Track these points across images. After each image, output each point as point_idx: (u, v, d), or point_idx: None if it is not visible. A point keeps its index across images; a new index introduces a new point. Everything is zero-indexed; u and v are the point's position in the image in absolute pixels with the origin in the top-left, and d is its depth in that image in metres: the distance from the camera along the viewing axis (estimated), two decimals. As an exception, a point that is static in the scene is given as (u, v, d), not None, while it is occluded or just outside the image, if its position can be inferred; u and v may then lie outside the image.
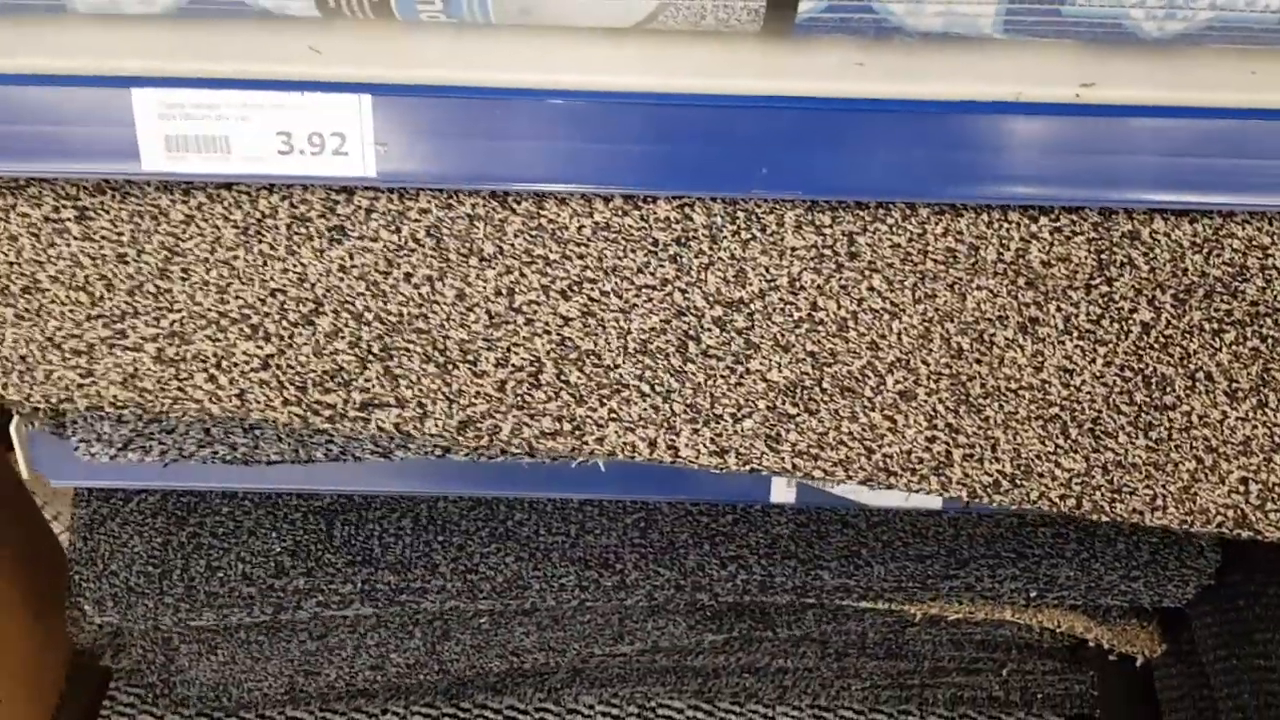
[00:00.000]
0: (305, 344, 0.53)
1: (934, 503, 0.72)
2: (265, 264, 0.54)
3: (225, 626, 0.78)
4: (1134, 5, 0.52)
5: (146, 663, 0.81)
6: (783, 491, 0.72)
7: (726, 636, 0.80)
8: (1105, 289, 0.55)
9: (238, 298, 0.54)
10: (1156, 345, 0.55)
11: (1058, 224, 0.56)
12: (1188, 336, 0.55)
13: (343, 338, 0.54)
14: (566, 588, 0.74)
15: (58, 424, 0.63)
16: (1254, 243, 0.56)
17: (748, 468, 0.54)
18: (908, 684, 0.88)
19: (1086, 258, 0.56)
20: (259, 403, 0.53)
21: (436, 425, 0.53)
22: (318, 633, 0.80)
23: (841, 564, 0.74)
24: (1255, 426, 0.55)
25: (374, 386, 0.53)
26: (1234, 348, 0.55)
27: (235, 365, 0.53)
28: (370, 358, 0.54)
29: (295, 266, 0.54)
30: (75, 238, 0.55)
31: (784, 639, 0.84)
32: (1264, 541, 0.76)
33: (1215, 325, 0.55)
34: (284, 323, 0.54)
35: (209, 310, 0.54)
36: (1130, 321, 0.55)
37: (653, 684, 0.88)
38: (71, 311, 0.54)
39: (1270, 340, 0.55)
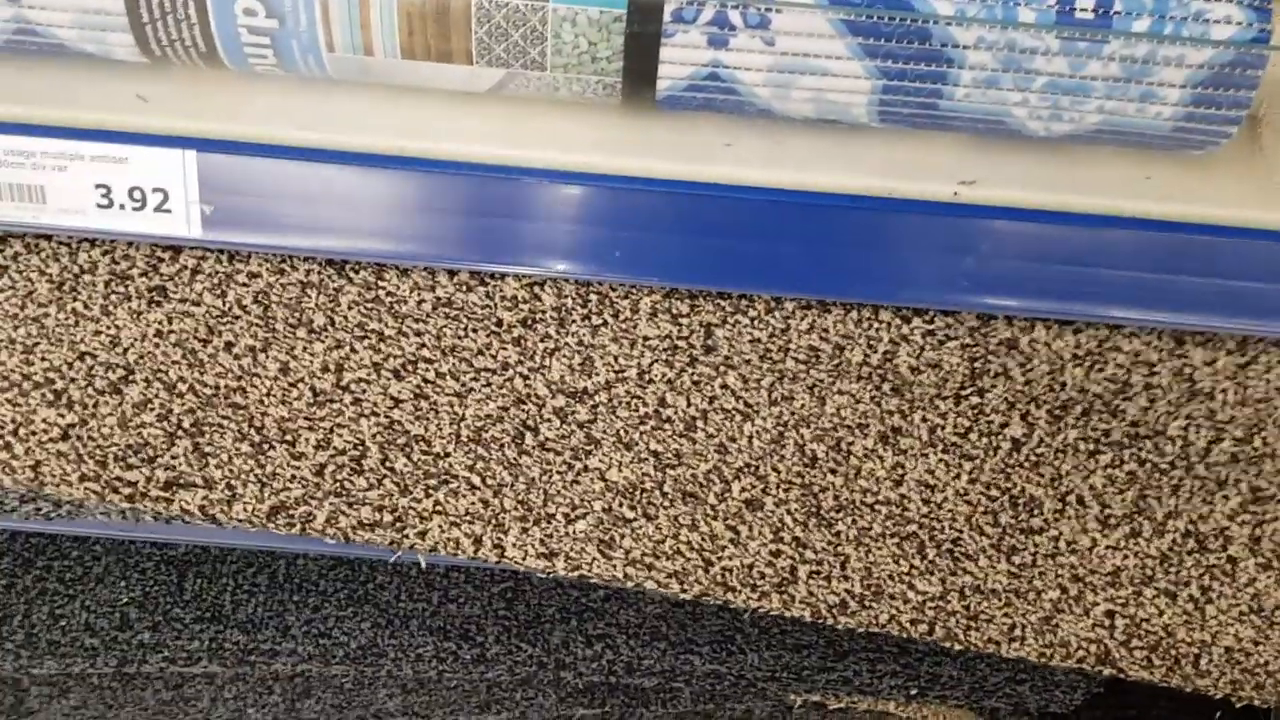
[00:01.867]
0: (110, 414, 0.50)
1: (818, 589, 0.68)
2: (77, 324, 0.51)
3: (70, 675, 0.74)
4: (1016, 105, 0.49)
5: (-7, 703, 0.77)
6: (660, 568, 0.69)
7: (599, 711, 0.76)
8: (976, 400, 0.52)
9: (43, 360, 0.50)
10: (1027, 464, 0.52)
11: (931, 326, 0.52)
12: (1061, 456, 0.52)
13: (151, 409, 0.50)
14: (424, 658, 0.70)
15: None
16: (1140, 358, 0.52)
17: (576, 573, 0.50)
18: (797, 761, 0.85)
19: (959, 365, 0.52)
20: (54, 476, 0.49)
21: (245, 510, 0.50)
22: (173, 683, 0.76)
23: (714, 650, 0.70)
24: (1126, 556, 0.51)
25: (180, 464, 0.50)
26: (1109, 470, 0.52)
27: (33, 435, 0.49)
28: (179, 433, 0.50)
29: (109, 328, 0.50)
30: (-123, 282, 0.51)
31: (665, 709, 0.81)
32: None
33: (1091, 445, 0.52)
34: (90, 390, 0.50)
35: (11, 373, 0.50)
36: (1000, 436, 0.52)
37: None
38: None
39: (1148, 465, 0.52)
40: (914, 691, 0.71)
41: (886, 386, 0.52)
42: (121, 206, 0.51)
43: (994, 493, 0.51)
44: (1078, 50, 0.46)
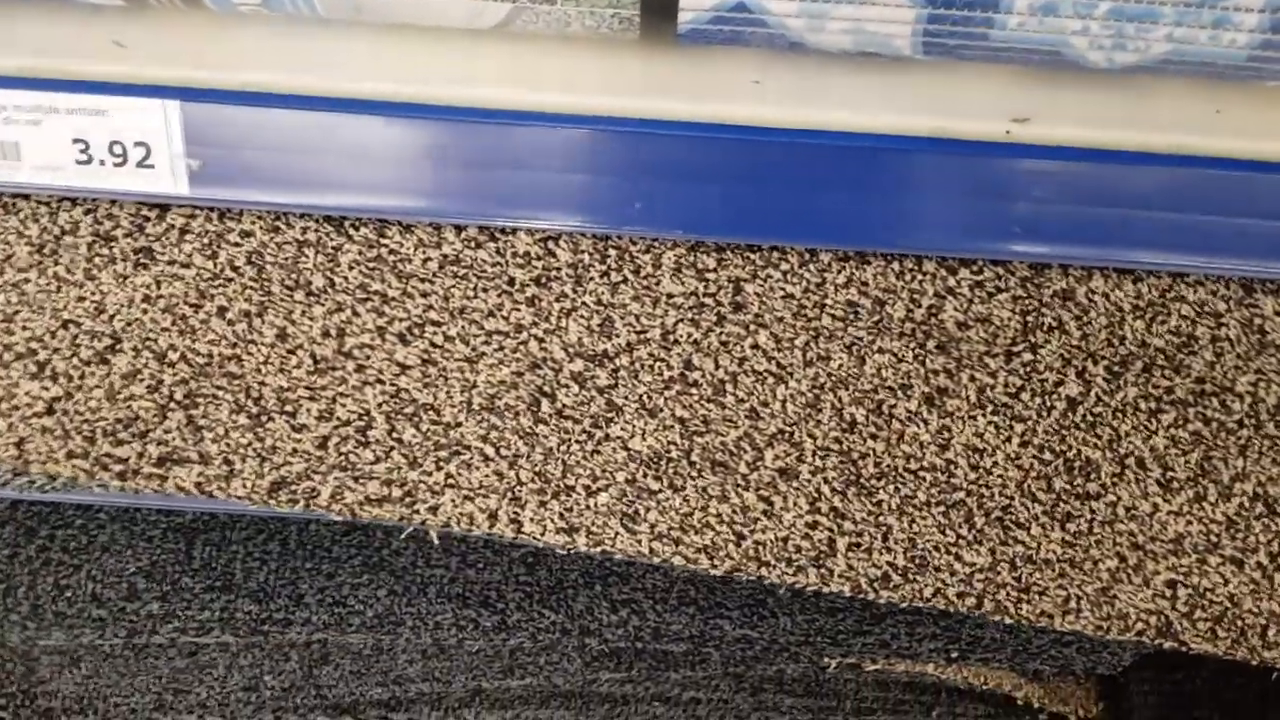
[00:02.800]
0: (98, 386, 0.46)
1: (853, 549, 0.65)
2: (59, 289, 0.47)
3: (80, 645, 0.72)
4: (1076, 33, 0.44)
5: (5, 673, 0.75)
6: (687, 529, 0.65)
7: (625, 674, 0.74)
8: (1029, 357, 0.48)
9: (25, 328, 0.47)
10: (1083, 425, 0.48)
11: (979, 278, 0.48)
12: (1120, 416, 0.48)
13: (141, 380, 0.47)
14: (443, 626, 0.67)
15: None
16: (1206, 309, 0.48)
17: (599, 549, 0.47)
18: (830, 721, 0.82)
19: (1010, 319, 0.48)
20: (39, 454, 0.46)
21: (244, 486, 0.46)
22: (186, 651, 0.74)
23: (744, 614, 0.67)
24: (1189, 523, 0.48)
25: (174, 439, 0.46)
26: (1172, 431, 0.48)
27: (16, 410, 0.46)
28: (172, 405, 0.46)
29: (93, 293, 0.47)
30: None
31: (695, 667, 0.78)
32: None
33: (1153, 404, 0.48)
34: (75, 359, 0.47)
35: (-10, 342, 0.47)
36: (1055, 396, 0.48)
37: (556, 708, 0.82)
38: None
39: (1214, 424, 0.48)
40: (954, 654, 0.67)
41: (931, 344, 0.48)
42: (101, 162, 0.47)
43: (1047, 456, 0.48)
44: (1145, -29, 0.42)
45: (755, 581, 0.67)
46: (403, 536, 0.68)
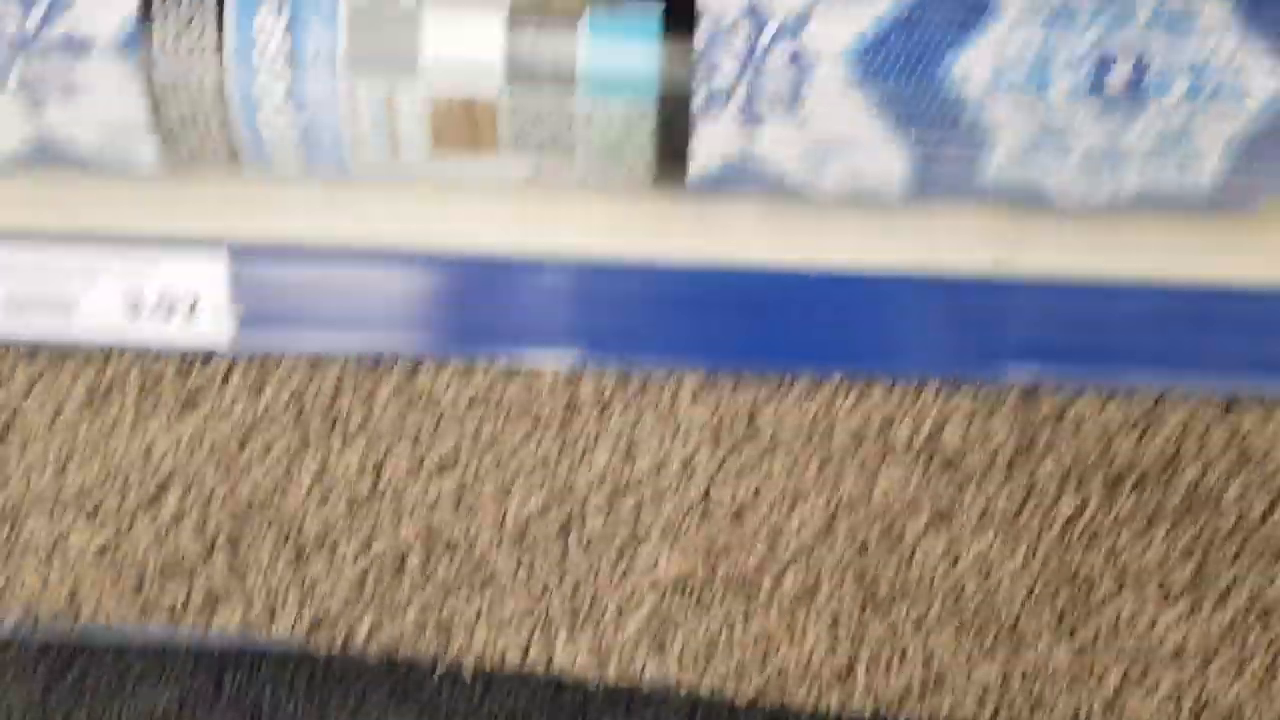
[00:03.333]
0: (146, 530, 0.49)
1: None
2: (108, 438, 0.50)
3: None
4: (1053, 176, 0.48)
5: (29, 813, 0.76)
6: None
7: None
8: (1026, 475, 0.51)
9: (75, 478, 0.50)
10: (1082, 539, 0.50)
11: (976, 404, 0.51)
12: (1115, 530, 0.50)
13: (188, 522, 0.49)
14: (468, 753, 0.68)
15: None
16: (1189, 428, 0.51)
17: (629, 676, 0.49)
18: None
19: (1006, 440, 0.51)
20: (91, 600, 0.48)
21: (285, 625, 0.49)
22: (211, 786, 0.75)
23: (764, 732, 0.68)
24: (1188, 632, 0.50)
25: (218, 579, 0.49)
26: (1166, 543, 0.50)
27: (69, 555, 0.49)
28: (218, 546, 0.49)
29: (140, 442, 0.50)
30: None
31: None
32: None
33: (1146, 518, 0.50)
34: (125, 504, 0.49)
35: (42, 493, 0.49)
36: (1053, 512, 0.50)
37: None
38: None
39: (1205, 535, 0.50)
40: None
41: (935, 464, 0.50)
42: (150, 315, 0.50)
43: (1050, 571, 0.50)
44: (1113, 120, 0.46)
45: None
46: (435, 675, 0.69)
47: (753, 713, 0.67)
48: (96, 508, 0.49)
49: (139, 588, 0.48)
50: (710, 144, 0.47)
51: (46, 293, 0.50)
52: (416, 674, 0.70)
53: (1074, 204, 0.49)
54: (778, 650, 0.49)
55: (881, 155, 0.47)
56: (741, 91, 0.45)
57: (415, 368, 0.51)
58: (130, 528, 0.49)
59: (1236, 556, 0.51)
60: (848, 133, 0.46)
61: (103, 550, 0.49)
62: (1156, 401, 0.52)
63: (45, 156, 0.48)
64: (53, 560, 0.49)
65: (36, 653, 0.71)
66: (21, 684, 0.70)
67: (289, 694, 0.70)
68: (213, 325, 0.50)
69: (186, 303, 0.50)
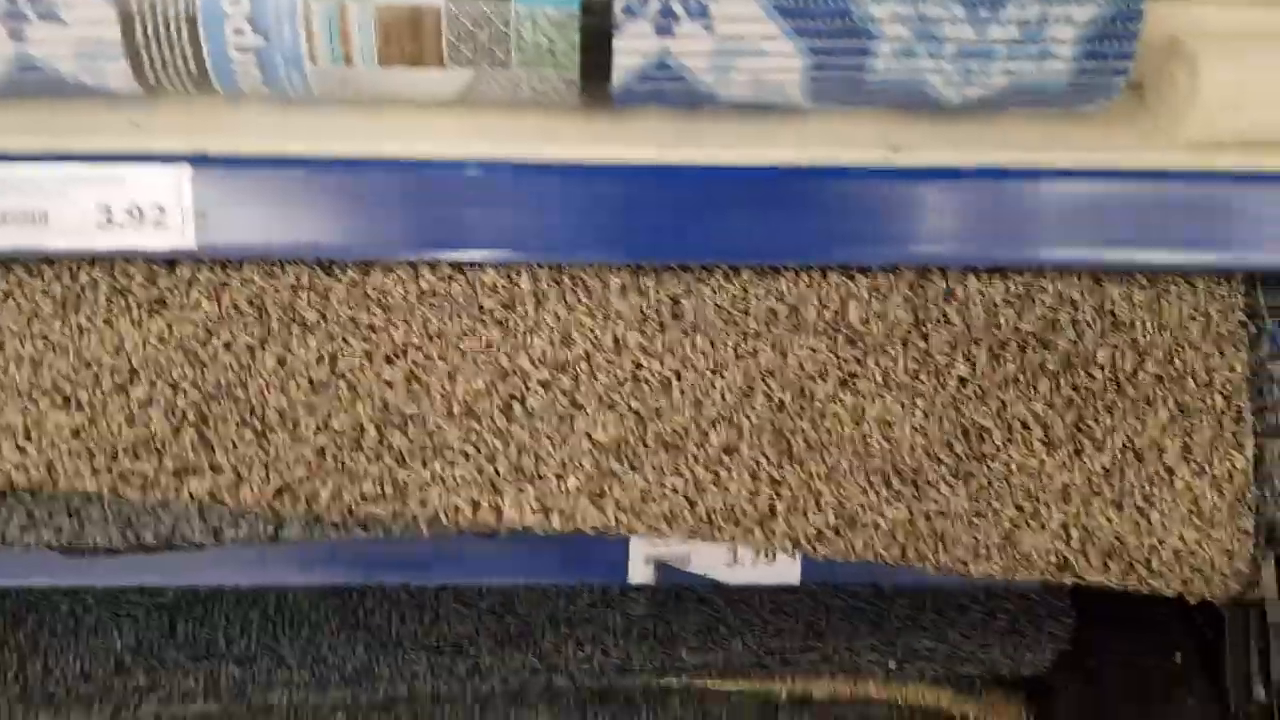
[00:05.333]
0: (117, 413, 0.53)
1: (791, 577, 0.72)
2: (81, 336, 0.54)
3: None
4: (932, 71, 0.55)
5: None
6: (640, 572, 0.72)
7: (592, 725, 0.78)
8: (922, 344, 0.57)
9: (51, 369, 0.53)
10: (974, 397, 0.56)
11: (875, 284, 0.57)
12: (1004, 388, 0.57)
13: (156, 406, 0.53)
14: (419, 675, 0.72)
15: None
16: (1064, 297, 0.58)
17: (571, 527, 0.54)
18: (786, 772, 0.86)
19: (903, 315, 0.57)
20: (67, 473, 0.51)
21: (252, 491, 0.52)
22: (167, 737, 0.77)
23: (700, 641, 0.73)
24: (1073, 474, 0.56)
25: (188, 453, 0.52)
26: (1048, 398, 0.57)
27: (45, 436, 0.52)
28: (184, 425, 0.53)
29: (111, 338, 0.54)
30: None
31: (656, 728, 0.82)
32: (1121, 608, 0.77)
33: (1030, 377, 0.57)
34: (97, 392, 0.53)
35: (21, 384, 0.53)
36: (947, 375, 0.56)
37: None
38: (-122, 387, 0.53)
39: (1082, 390, 0.57)
40: (892, 665, 0.74)
41: (841, 338, 0.56)
42: (121, 225, 0.54)
43: (947, 425, 0.56)
44: (980, 16, 0.53)
45: (705, 613, 0.74)
46: (381, 589, 0.73)
47: (687, 618, 0.72)
48: (71, 396, 0.53)
49: (112, 462, 0.52)
50: (631, 48, 0.53)
51: (23, 206, 0.54)
52: (365, 605, 0.74)
53: (952, 102, 0.55)
54: (705, 498, 0.54)
55: (781, 57, 0.53)
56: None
57: (367, 269, 0.56)
58: (104, 411, 0.53)
59: (1110, 408, 0.57)
60: (749, 34, 0.52)
61: (77, 431, 0.52)
62: (1034, 278, 0.58)
63: (25, 82, 0.52)
64: (30, 440, 0.52)
65: (-7, 602, 0.73)
66: (-22, 635, 0.72)
67: (241, 630, 0.73)
68: (178, 233, 0.55)
69: (153, 213, 0.55)
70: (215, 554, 0.67)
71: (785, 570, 0.72)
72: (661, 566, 0.71)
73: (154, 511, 0.58)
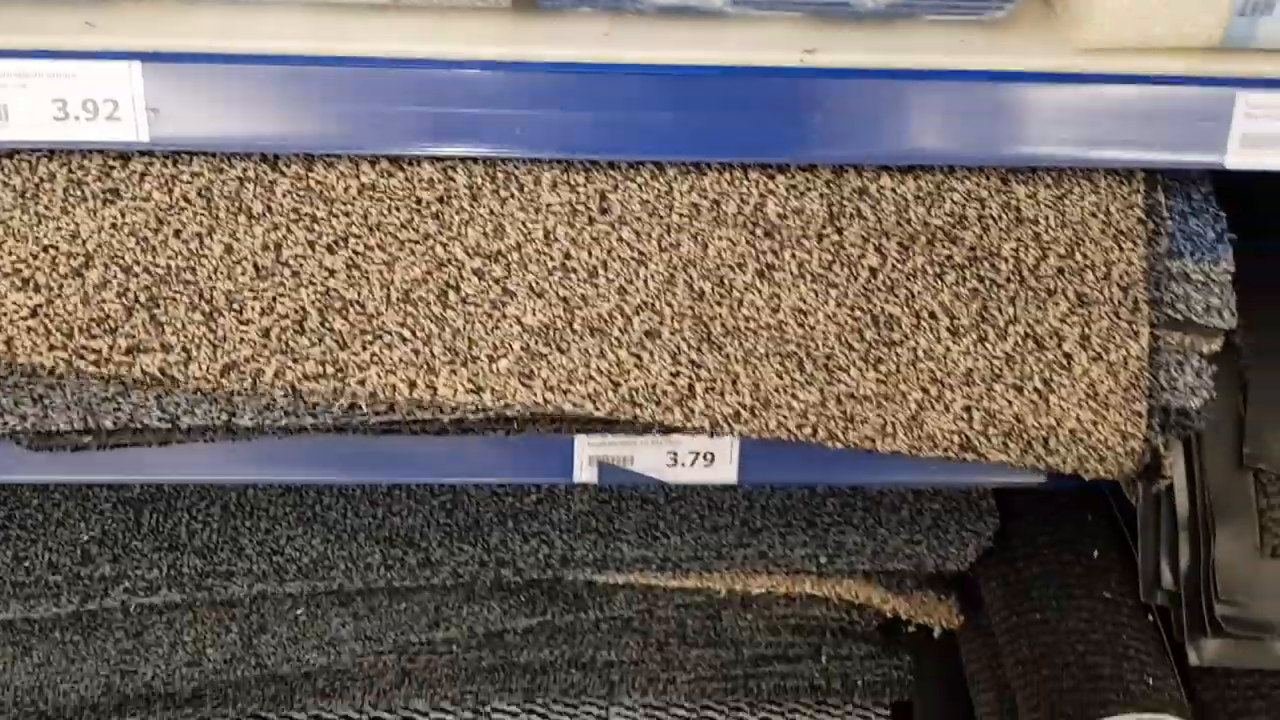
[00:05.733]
0: (73, 294, 0.56)
1: (729, 478, 0.75)
2: (39, 224, 0.57)
3: (33, 620, 0.78)
4: (845, -24, 0.58)
5: (-40, 669, 0.81)
6: (585, 472, 0.75)
7: (540, 619, 0.82)
8: (836, 238, 0.60)
9: (10, 254, 0.56)
10: (884, 287, 0.60)
11: (793, 181, 0.61)
12: (912, 279, 0.60)
13: (110, 289, 0.56)
14: (372, 567, 0.75)
15: None
16: (972, 195, 0.61)
17: (501, 404, 0.57)
18: (731, 674, 0.90)
19: (819, 210, 0.60)
20: (25, 349, 0.55)
21: (200, 369, 0.56)
22: (133, 630, 0.80)
23: (640, 536, 0.77)
24: (976, 360, 0.59)
25: (139, 333, 0.56)
26: (955, 288, 0.60)
27: (4, 315, 0.55)
28: (136, 306, 0.56)
29: (68, 225, 0.57)
30: None
31: (605, 629, 0.86)
32: (1044, 511, 0.81)
33: (937, 269, 0.60)
34: (54, 275, 0.56)
35: (-18, 265, 0.56)
36: (859, 266, 0.60)
37: (481, 683, 0.89)
38: None
39: (987, 281, 0.60)
40: (823, 560, 0.77)
41: (760, 231, 0.60)
42: (76, 118, 0.58)
43: (858, 313, 0.59)
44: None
45: (647, 510, 0.77)
46: (336, 487, 0.76)
47: (627, 514, 0.76)
48: (30, 279, 0.56)
49: (68, 340, 0.55)
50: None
51: (-19, 100, 0.57)
52: (322, 502, 0.78)
53: (865, 7, 0.58)
54: (628, 379, 0.58)
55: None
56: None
57: (310, 163, 0.59)
58: (60, 293, 0.56)
59: (1013, 299, 0.60)
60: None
61: (35, 310, 0.56)
62: (944, 177, 0.62)
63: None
64: (-10, 319, 0.55)
65: (-34, 498, 0.76)
66: (-49, 529, 0.76)
67: (204, 524, 0.77)
68: (131, 127, 0.58)
69: (107, 107, 0.58)
70: (178, 451, 0.70)
71: (722, 471, 0.75)
72: (605, 467, 0.74)
73: (113, 398, 0.62)
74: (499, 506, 0.77)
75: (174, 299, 0.56)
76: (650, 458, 0.74)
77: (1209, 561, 0.70)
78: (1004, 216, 0.61)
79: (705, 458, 0.74)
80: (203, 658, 0.82)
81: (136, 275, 0.57)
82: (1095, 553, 0.77)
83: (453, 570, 0.76)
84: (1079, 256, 0.61)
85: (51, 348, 0.55)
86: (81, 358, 0.55)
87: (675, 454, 0.74)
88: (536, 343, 0.58)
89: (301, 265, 0.58)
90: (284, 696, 0.89)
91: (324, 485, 0.78)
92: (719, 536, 0.77)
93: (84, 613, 0.80)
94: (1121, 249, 0.61)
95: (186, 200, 0.58)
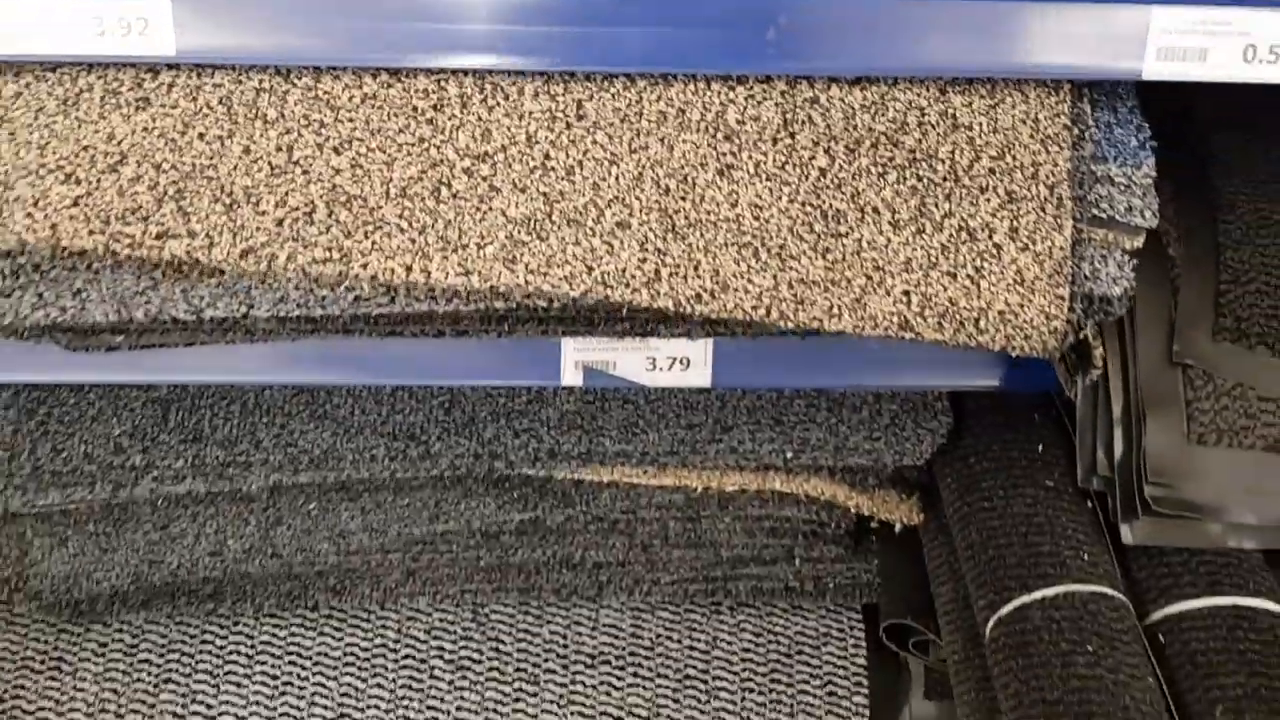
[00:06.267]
0: (110, 187, 0.63)
1: (703, 382, 0.83)
2: (80, 127, 0.64)
3: (70, 509, 0.86)
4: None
5: (2, 558, 0.88)
6: (571, 374, 0.82)
7: (532, 515, 0.89)
8: (789, 142, 0.67)
9: (55, 153, 0.64)
10: (832, 185, 0.67)
11: (751, 91, 0.68)
12: (858, 178, 0.67)
13: (142, 182, 0.64)
14: (377, 458, 0.83)
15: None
16: (913, 104, 0.68)
17: (487, 285, 0.64)
18: (711, 576, 0.97)
19: (774, 117, 0.67)
20: (68, 233, 0.62)
21: (222, 253, 0.63)
22: (160, 523, 0.88)
23: (621, 432, 0.84)
24: (914, 250, 0.66)
25: (168, 221, 0.63)
26: (896, 186, 0.67)
27: (50, 204, 0.63)
28: (165, 198, 0.64)
29: (105, 129, 0.64)
30: (-84, 111, 0.65)
31: (593, 531, 0.93)
32: (995, 413, 0.87)
33: (880, 169, 0.67)
34: (93, 171, 0.64)
35: (30, 164, 0.64)
36: (810, 167, 0.67)
37: (480, 582, 0.97)
38: (-90, 169, 0.64)
39: (925, 180, 0.67)
40: (790, 454, 0.84)
41: (720, 135, 0.67)
42: (112, 35, 0.65)
43: (808, 208, 0.66)
44: None
45: (628, 410, 0.84)
46: (345, 388, 0.84)
47: (610, 413, 0.82)
48: (71, 174, 0.64)
49: (105, 226, 0.63)
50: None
51: (27, 20, 0.65)
52: (332, 401, 0.85)
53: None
54: (601, 263, 0.65)
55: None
56: None
57: (319, 75, 0.67)
58: (98, 186, 0.63)
59: (949, 195, 0.67)
60: None
61: (76, 201, 0.63)
62: (889, 87, 0.68)
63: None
64: (37, 208, 0.63)
65: (7, 400, 0.84)
66: (-4, 426, 0.84)
67: (225, 419, 0.84)
68: (161, 42, 0.65)
69: (139, 24, 0.65)
70: (201, 354, 0.78)
71: (697, 376, 0.82)
72: (589, 370, 0.82)
73: (144, 292, 0.69)
74: (492, 406, 0.84)
75: (198, 193, 0.64)
76: (631, 363, 0.81)
77: (1140, 448, 0.76)
78: (941, 123, 0.67)
79: (681, 363, 0.81)
80: (224, 548, 0.89)
81: (165, 172, 0.64)
82: (1040, 448, 0.84)
83: (451, 462, 0.83)
84: (1009, 158, 0.67)
85: (91, 233, 0.62)
86: (118, 242, 0.63)
87: (654, 359, 0.81)
88: (519, 231, 0.65)
89: (310, 164, 0.65)
90: (298, 593, 0.96)
91: (333, 386, 0.85)
92: (694, 433, 0.84)
93: (115, 506, 0.87)
94: (1048, 152, 0.67)
95: (209, 107, 0.65)
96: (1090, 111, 0.70)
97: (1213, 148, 0.83)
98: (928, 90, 0.68)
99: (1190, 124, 0.84)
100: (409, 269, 0.64)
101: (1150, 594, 0.77)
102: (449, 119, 0.66)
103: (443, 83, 0.66)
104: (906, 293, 0.66)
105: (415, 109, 0.66)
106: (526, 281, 0.64)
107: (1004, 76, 0.68)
